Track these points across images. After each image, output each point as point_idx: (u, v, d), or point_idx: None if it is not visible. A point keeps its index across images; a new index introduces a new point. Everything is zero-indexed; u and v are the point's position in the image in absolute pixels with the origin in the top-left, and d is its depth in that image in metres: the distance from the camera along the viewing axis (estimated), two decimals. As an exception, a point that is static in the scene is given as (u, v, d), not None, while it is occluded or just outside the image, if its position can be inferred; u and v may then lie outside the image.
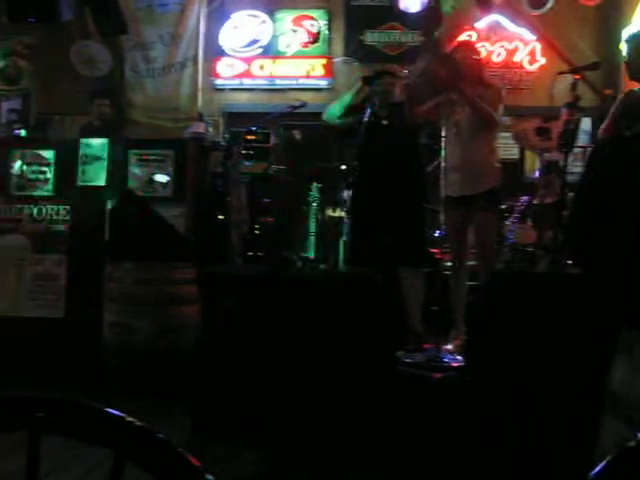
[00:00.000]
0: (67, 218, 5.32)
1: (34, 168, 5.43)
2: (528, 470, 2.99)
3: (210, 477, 0.91)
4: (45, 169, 5.41)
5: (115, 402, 1.05)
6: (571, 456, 2.79)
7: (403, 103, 5.14)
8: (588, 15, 8.52)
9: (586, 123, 7.80)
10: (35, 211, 5.35)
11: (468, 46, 5.68)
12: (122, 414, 0.92)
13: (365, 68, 7.06)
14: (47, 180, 5.40)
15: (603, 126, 4.35)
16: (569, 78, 4.59)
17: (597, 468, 0.91)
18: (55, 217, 5.33)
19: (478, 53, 4.94)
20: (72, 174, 5.35)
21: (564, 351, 3.03)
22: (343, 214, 6.05)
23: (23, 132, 6.38)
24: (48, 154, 5.43)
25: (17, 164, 5.41)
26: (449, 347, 4.56)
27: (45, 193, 5.39)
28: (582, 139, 6.92)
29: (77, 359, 4.77)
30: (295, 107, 6.45)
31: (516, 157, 8.42)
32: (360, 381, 3.53)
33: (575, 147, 4.86)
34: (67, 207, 5.33)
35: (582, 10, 8.41)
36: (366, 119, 4.89)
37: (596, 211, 3.56)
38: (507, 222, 6.29)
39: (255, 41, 9.00)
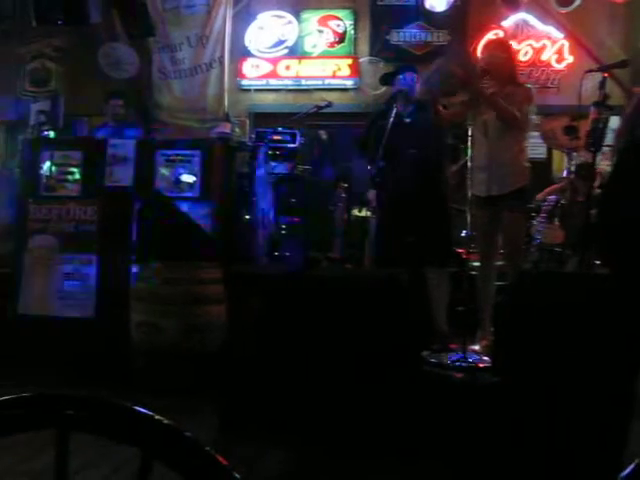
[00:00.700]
0: (95, 218, 5.37)
1: (63, 169, 5.48)
2: (555, 472, 2.96)
3: (238, 476, 0.91)
4: (73, 170, 5.47)
5: (143, 401, 1.06)
6: (600, 459, 2.77)
7: (426, 100, 5.14)
8: (617, 12, 8.43)
9: (615, 122, 7.71)
10: (64, 211, 5.41)
11: (496, 44, 5.64)
12: (150, 412, 0.93)
13: (391, 68, 7.04)
14: (75, 181, 5.45)
15: (618, 127, 4.31)
16: (597, 76, 4.55)
17: (626, 470, 0.91)
18: (83, 217, 5.38)
19: (507, 51, 4.87)
20: (100, 174, 5.40)
21: (593, 353, 3.00)
22: (369, 214, 6.05)
23: (52, 133, 6.44)
24: (76, 155, 5.48)
25: (46, 165, 5.48)
26: (475, 347, 4.54)
27: (74, 193, 5.44)
28: (611, 138, 6.84)
29: (106, 358, 4.81)
30: (321, 107, 6.46)
31: (543, 156, 8.36)
32: (385, 381, 3.52)
33: (603, 146, 4.80)
34: (95, 207, 5.38)
35: (610, 7, 8.33)
36: (392, 119, 4.88)
37: (622, 211, 3.53)
38: (534, 222, 6.25)
39: (281, 42, 9.01)
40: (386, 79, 5.40)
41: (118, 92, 7.18)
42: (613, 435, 2.77)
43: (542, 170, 7.93)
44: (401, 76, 5.15)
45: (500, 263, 4.99)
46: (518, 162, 4.68)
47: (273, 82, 9.09)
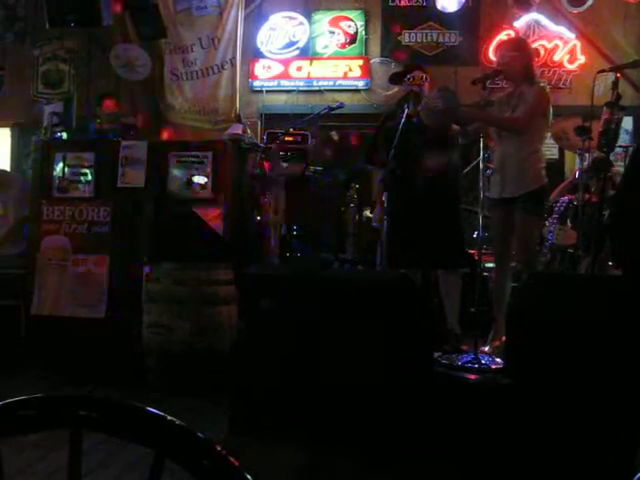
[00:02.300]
0: (108, 219, 5.39)
1: (75, 170, 5.51)
2: (566, 475, 2.95)
3: (249, 477, 0.91)
4: (86, 171, 5.49)
5: (154, 401, 1.07)
6: (611, 462, 2.76)
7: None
8: (629, 12, 8.38)
9: (627, 122, 7.68)
10: (76, 212, 5.43)
11: (507, 43, 5.60)
12: (162, 413, 0.93)
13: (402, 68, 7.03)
14: (88, 182, 5.48)
15: None
16: (610, 77, 4.53)
17: (638, 475, 0.90)
18: (96, 218, 5.41)
19: (519, 49, 4.82)
20: (113, 176, 5.42)
21: (605, 355, 2.99)
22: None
23: (64, 135, 6.48)
24: (89, 156, 5.51)
25: (59, 166, 5.50)
26: (487, 349, 4.53)
27: (86, 195, 5.47)
28: (623, 139, 6.80)
29: (117, 359, 4.83)
30: (333, 108, 6.45)
31: (556, 157, 8.33)
32: (397, 382, 3.52)
33: (616, 147, 4.78)
34: (107, 208, 5.40)
35: (623, 7, 8.28)
36: (402, 119, 4.87)
37: (636, 211, 3.52)
38: (547, 223, 6.23)
39: (292, 43, 9.02)
40: (395, 78, 5.39)
41: (110, 93, 7.21)
42: (625, 438, 2.76)
43: (554, 171, 7.90)
44: (410, 75, 5.13)
45: (514, 264, 4.97)
46: (531, 164, 4.64)
47: (285, 83, 9.10)
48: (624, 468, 2.64)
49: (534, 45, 8.52)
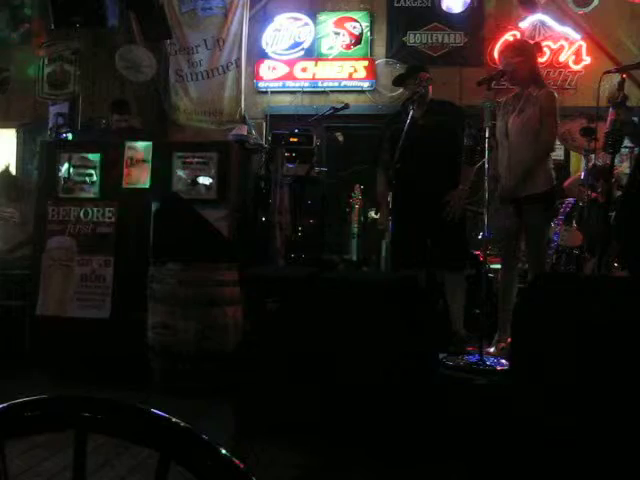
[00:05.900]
0: (113, 220, 5.40)
1: (81, 171, 5.52)
2: (572, 477, 2.94)
3: (254, 478, 0.91)
4: (91, 172, 5.50)
5: (160, 403, 1.06)
6: (618, 465, 2.75)
7: (439, 102, 5.13)
8: (635, 13, 8.37)
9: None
10: (82, 213, 5.44)
11: (510, 47, 5.57)
12: (167, 415, 0.93)
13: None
14: (93, 182, 5.48)
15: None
16: (616, 77, 4.51)
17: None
18: (101, 219, 5.41)
19: (522, 53, 4.80)
20: (118, 176, 5.43)
21: (612, 356, 2.98)
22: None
23: (70, 136, 6.48)
24: (94, 157, 5.51)
25: (64, 167, 5.51)
26: (493, 350, 4.52)
27: (91, 195, 5.48)
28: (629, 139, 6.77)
29: (122, 359, 4.83)
30: (338, 109, 6.45)
31: (561, 158, 8.31)
32: (402, 384, 3.51)
33: (622, 148, 4.77)
34: (113, 209, 5.41)
35: (629, 8, 8.27)
36: (408, 120, 4.86)
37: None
38: (552, 224, 6.22)
39: (297, 44, 9.02)
40: (399, 81, 5.39)
41: (123, 105, 7.08)
42: (634, 442, 2.75)
43: (560, 172, 7.88)
44: (414, 77, 5.13)
45: (520, 265, 4.96)
46: (543, 166, 4.63)
47: (290, 84, 9.10)
48: (633, 471, 2.63)
49: (539, 46, 8.51)
